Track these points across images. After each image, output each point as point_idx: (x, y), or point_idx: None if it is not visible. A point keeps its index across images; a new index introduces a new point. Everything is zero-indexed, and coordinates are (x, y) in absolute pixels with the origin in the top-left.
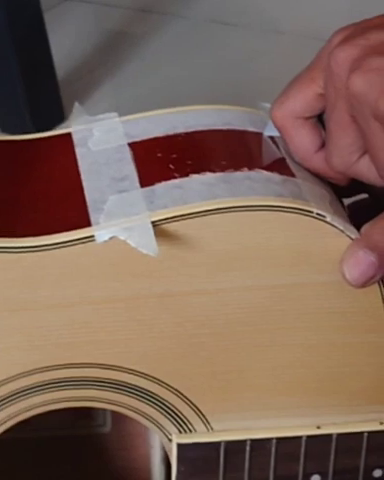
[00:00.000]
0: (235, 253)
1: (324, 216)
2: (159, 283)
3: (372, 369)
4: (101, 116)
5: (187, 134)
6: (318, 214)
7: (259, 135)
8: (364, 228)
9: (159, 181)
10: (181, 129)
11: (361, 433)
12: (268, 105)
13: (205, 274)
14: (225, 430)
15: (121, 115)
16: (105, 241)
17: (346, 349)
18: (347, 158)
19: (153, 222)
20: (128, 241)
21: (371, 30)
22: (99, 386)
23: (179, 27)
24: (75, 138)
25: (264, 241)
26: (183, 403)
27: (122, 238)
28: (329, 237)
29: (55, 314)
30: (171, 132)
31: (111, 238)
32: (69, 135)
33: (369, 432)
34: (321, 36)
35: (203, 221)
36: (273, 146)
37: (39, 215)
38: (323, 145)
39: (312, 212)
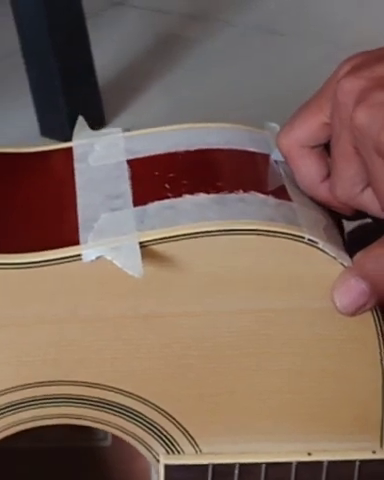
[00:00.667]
0: (223, 276)
1: (316, 242)
2: (146, 304)
3: (364, 398)
4: (104, 131)
5: (187, 152)
6: (310, 240)
7: (258, 155)
8: (357, 256)
9: (152, 201)
10: (182, 147)
11: (353, 461)
12: (275, 125)
13: (192, 296)
14: (214, 453)
15: (166, 120)
16: (92, 260)
17: (337, 377)
18: (350, 189)
19: (141, 243)
20: (114, 261)
21: (379, 62)
22: (87, 404)
23: (228, 34)
24: (75, 153)
25: (253, 265)
26: (171, 424)
27: (109, 258)
28: (321, 263)
29: (42, 331)
30: (172, 150)
31: (98, 257)
32: (70, 149)
33: (361, 461)
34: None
35: (191, 243)
36: (273, 167)
37: (30, 231)
38: (329, 175)
39: (304, 238)
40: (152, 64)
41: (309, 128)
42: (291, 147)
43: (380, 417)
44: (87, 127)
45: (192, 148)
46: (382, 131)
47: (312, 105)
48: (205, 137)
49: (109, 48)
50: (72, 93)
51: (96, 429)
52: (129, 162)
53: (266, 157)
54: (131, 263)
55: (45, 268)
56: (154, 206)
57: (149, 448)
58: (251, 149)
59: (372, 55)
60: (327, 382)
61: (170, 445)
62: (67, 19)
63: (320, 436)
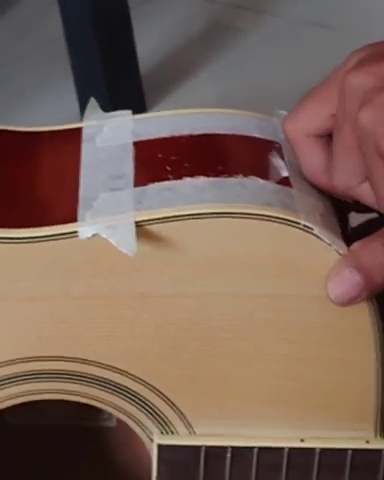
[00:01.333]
0: (217, 259)
1: (311, 228)
2: (140, 283)
3: (359, 387)
4: (114, 113)
5: (191, 136)
6: (305, 226)
7: (263, 141)
8: (354, 246)
9: (152, 182)
10: (187, 131)
11: (345, 450)
12: (284, 112)
13: (187, 278)
14: (207, 435)
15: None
16: (88, 238)
17: (332, 365)
18: (348, 180)
19: (137, 222)
20: (109, 239)
21: None
22: (81, 381)
23: (276, 26)
24: (84, 133)
25: (247, 249)
26: (165, 404)
27: (104, 236)
28: (316, 250)
29: (35, 307)
30: (177, 133)
31: (94, 235)
32: (80, 130)
33: (354, 450)
34: None
35: (186, 225)
36: (276, 153)
37: (29, 207)
38: None
39: (299, 223)
40: (197, 53)
41: (316, 118)
42: (296, 134)
43: (374, 407)
44: (98, 109)
45: (197, 132)
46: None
47: (320, 94)
48: (211, 122)
49: (157, 35)
50: (114, 80)
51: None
52: (135, 144)
53: (271, 143)
54: (126, 241)
55: (41, 244)
56: (153, 187)
57: (143, 427)
58: (257, 135)
59: (380, 49)
60: (322, 370)
61: (164, 425)
62: (110, 6)
63: (314, 423)
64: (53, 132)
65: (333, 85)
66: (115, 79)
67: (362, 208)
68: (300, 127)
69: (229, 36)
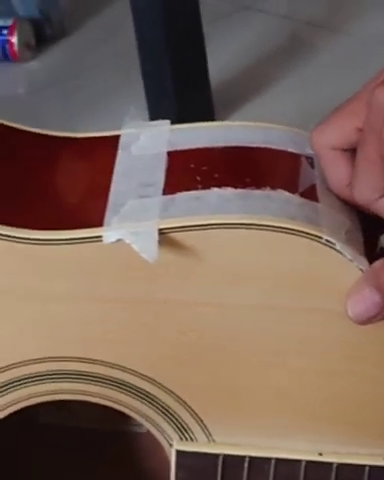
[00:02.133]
0: (239, 270)
1: (333, 243)
2: (163, 290)
3: (379, 404)
4: (153, 122)
5: (225, 148)
6: (327, 241)
7: (296, 156)
8: (375, 264)
9: (181, 191)
10: (221, 143)
11: (363, 466)
12: None
13: (209, 287)
14: (226, 443)
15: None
16: (112, 242)
17: (352, 380)
18: (369, 194)
19: (161, 229)
20: (132, 245)
21: None
22: (103, 383)
23: (349, 45)
24: (121, 141)
25: (270, 261)
26: (185, 411)
27: (127, 241)
28: (338, 265)
29: (61, 307)
30: (210, 145)
31: (118, 240)
32: (117, 137)
33: (371, 466)
34: None
35: (210, 234)
36: (308, 168)
37: (59, 209)
38: None
39: (321, 238)
40: (270, 69)
41: (342, 131)
42: (323, 147)
43: None
44: (138, 117)
45: (230, 144)
46: None
47: (348, 108)
48: (246, 135)
49: (231, 50)
50: (183, 94)
51: None
52: (169, 153)
53: (304, 158)
54: (148, 248)
55: (67, 246)
56: (181, 196)
57: (163, 432)
58: (290, 149)
59: None
60: (342, 384)
61: (184, 431)
62: (183, 21)
63: (333, 438)
64: (92, 138)
65: (361, 100)
66: (185, 91)
67: None
68: (326, 140)
69: (302, 53)
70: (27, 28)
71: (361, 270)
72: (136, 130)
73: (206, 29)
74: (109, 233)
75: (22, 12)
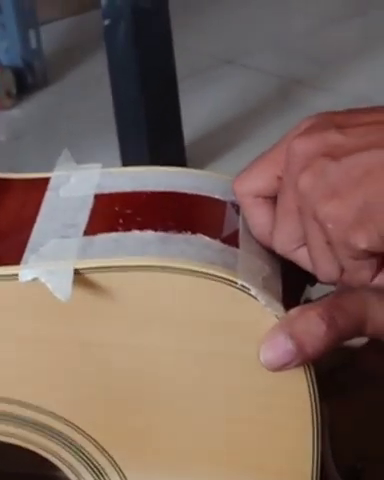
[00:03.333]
0: (155, 312)
1: (248, 289)
2: (80, 331)
3: (292, 452)
4: (85, 165)
5: (152, 193)
6: (242, 286)
7: (222, 202)
8: (291, 312)
9: (101, 232)
10: (150, 187)
11: None
12: None
13: (125, 329)
14: None
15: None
16: (28, 281)
17: (266, 427)
18: (287, 244)
19: (77, 270)
20: (46, 284)
21: (334, 127)
22: (18, 423)
23: (331, 102)
24: (51, 182)
25: (185, 305)
26: (100, 454)
27: (42, 280)
28: (253, 311)
29: None
30: (139, 189)
31: (34, 279)
32: (48, 179)
33: None
34: None
35: (125, 276)
36: (232, 214)
37: None
38: None
39: (236, 283)
40: (249, 123)
41: (263, 179)
42: (245, 196)
43: (310, 472)
44: (71, 159)
45: (158, 189)
46: (319, 201)
47: (268, 157)
48: (176, 180)
49: (210, 104)
50: (156, 146)
51: None
52: (96, 196)
53: (229, 204)
54: (61, 287)
55: None
56: (101, 237)
57: (78, 476)
58: (218, 196)
59: (332, 119)
60: (256, 431)
61: (99, 475)
62: (158, 76)
63: None
64: (25, 180)
65: (282, 149)
66: (157, 143)
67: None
68: (248, 188)
69: (285, 109)
70: (9, 77)
71: (276, 317)
72: (67, 172)
73: (187, 82)
74: (25, 271)
75: (5, 61)
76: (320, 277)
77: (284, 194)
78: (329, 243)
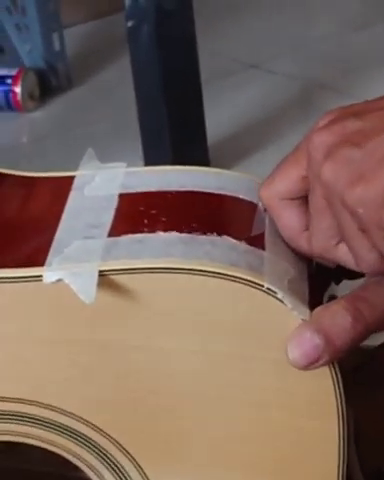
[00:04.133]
0: (178, 315)
1: (275, 292)
2: (101, 332)
3: (317, 456)
4: (110, 164)
5: (177, 192)
6: (269, 289)
7: (248, 203)
8: (316, 310)
9: (126, 233)
10: (174, 187)
11: None
12: None
13: (148, 331)
14: None
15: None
16: (52, 282)
17: (291, 431)
18: (326, 242)
19: (101, 271)
20: (71, 286)
21: (352, 117)
22: (37, 424)
23: None
24: (76, 181)
25: (210, 307)
26: (122, 455)
27: (67, 282)
28: (278, 314)
29: None
30: (163, 189)
31: (58, 280)
32: (73, 178)
33: None
34: None
35: (149, 278)
36: (259, 216)
37: (5, 248)
38: None
39: (262, 286)
40: (273, 127)
41: (288, 181)
42: (271, 199)
43: (335, 477)
44: (95, 159)
45: (183, 189)
46: (346, 187)
47: (291, 158)
48: (201, 180)
49: (235, 107)
50: (180, 149)
51: None
52: (120, 196)
53: (255, 205)
54: (86, 289)
55: (6, 285)
56: (125, 239)
57: (100, 477)
58: (242, 196)
59: (350, 110)
60: (280, 435)
61: (122, 477)
62: (182, 78)
63: None
64: (48, 178)
65: (304, 149)
66: (181, 146)
67: (352, 274)
68: (274, 191)
69: (309, 114)
70: (32, 78)
71: (302, 320)
72: (92, 171)
73: (211, 86)
74: (49, 273)
75: (28, 63)
76: (363, 268)
77: (313, 191)
78: (364, 230)
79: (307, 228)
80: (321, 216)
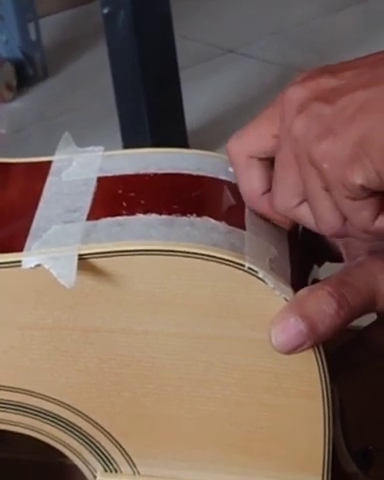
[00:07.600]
0: (160, 297)
1: (256, 271)
2: (84, 317)
3: (303, 436)
4: (86, 148)
5: (155, 175)
6: (250, 268)
7: (227, 183)
8: (300, 293)
9: (105, 216)
10: (152, 169)
11: None
12: None
13: (130, 314)
14: (151, 476)
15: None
16: (31, 268)
17: (276, 411)
18: (288, 200)
19: (81, 255)
20: (51, 270)
21: (327, 74)
22: (23, 412)
23: None
24: (53, 166)
25: (190, 289)
26: (109, 441)
27: (46, 267)
28: (260, 294)
29: None
30: (142, 171)
31: (37, 265)
32: (50, 163)
33: None
34: None
35: (130, 260)
36: (238, 197)
37: None
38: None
39: (244, 265)
40: (246, 112)
41: (258, 138)
42: (238, 155)
43: (322, 458)
44: (72, 143)
45: (161, 171)
46: (314, 141)
47: (265, 115)
48: (179, 162)
49: (212, 92)
50: (158, 134)
51: None
52: (99, 179)
53: (234, 186)
54: (66, 273)
55: None
56: (104, 222)
57: (87, 463)
58: (221, 177)
59: (326, 69)
60: (266, 416)
61: (107, 462)
62: (159, 63)
63: (258, 470)
64: (26, 164)
65: (279, 105)
66: (160, 131)
67: (334, 257)
68: (243, 148)
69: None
70: (9, 69)
71: (285, 299)
72: (69, 156)
73: (188, 71)
74: (28, 258)
75: (5, 53)
76: (323, 230)
77: (281, 148)
78: (327, 189)
79: (268, 191)
80: (286, 172)
